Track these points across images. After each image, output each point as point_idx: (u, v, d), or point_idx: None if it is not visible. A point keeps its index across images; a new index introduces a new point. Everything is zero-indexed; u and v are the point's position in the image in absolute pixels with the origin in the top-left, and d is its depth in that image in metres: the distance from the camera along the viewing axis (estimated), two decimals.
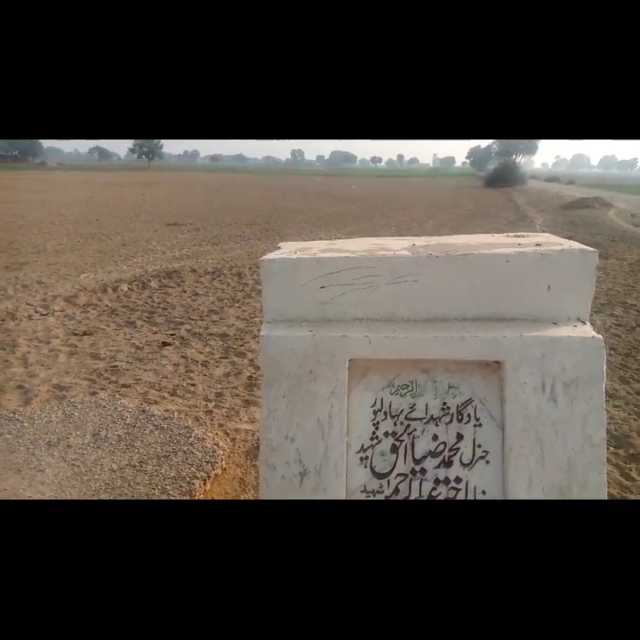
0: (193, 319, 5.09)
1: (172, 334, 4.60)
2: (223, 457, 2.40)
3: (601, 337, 1.26)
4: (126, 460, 2.30)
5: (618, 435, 2.84)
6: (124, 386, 3.34)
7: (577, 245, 1.35)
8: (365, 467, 1.32)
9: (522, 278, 1.33)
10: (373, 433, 1.32)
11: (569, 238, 1.56)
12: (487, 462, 1.29)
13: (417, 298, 1.36)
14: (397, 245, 1.48)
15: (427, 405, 1.32)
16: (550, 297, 1.33)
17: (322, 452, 1.30)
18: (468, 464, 1.29)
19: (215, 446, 2.46)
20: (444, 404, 1.31)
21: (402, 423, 1.32)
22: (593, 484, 1.22)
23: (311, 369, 1.31)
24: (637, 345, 4.27)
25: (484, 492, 1.28)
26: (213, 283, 6.68)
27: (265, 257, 1.41)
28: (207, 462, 2.30)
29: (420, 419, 1.32)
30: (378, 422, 1.32)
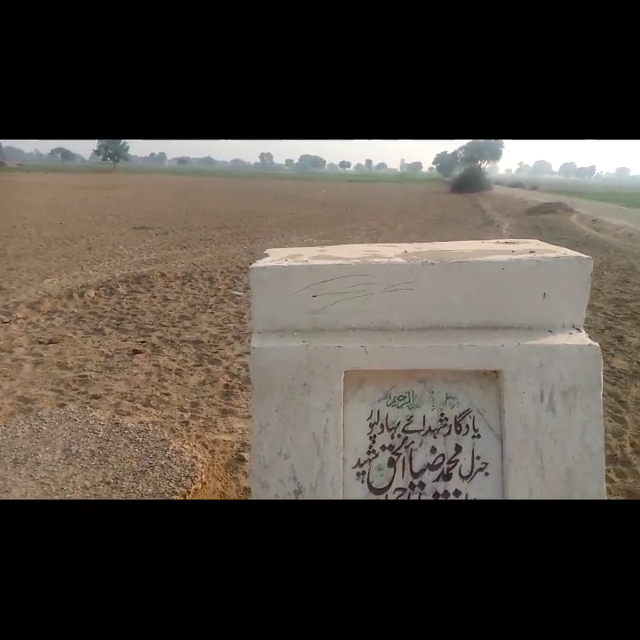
0: (164, 325, 4.95)
1: (142, 341, 4.45)
2: (202, 470, 2.31)
3: (597, 345, 1.25)
4: (100, 476, 2.19)
5: None
6: (95, 397, 3.19)
7: (571, 253, 1.34)
8: (362, 482, 1.27)
9: (517, 286, 1.31)
10: (370, 447, 1.28)
11: None
12: (486, 474, 1.26)
13: (412, 306, 1.33)
14: (390, 252, 1.45)
15: (424, 417, 1.28)
16: (545, 304, 1.31)
17: (317, 469, 1.24)
18: (468, 476, 1.26)
19: (194, 459, 2.37)
20: (442, 415, 1.28)
21: (399, 436, 1.28)
22: (593, 494, 1.21)
23: (305, 381, 1.25)
24: (607, 347, 4.37)
25: None
26: (184, 288, 6.53)
27: (255, 264, 1.35)
28: (186, 477, 2.21)
29: (418, 431, 1.28)
30: (374, 435, 1.28)
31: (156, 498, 2.06)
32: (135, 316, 5.22)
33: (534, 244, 1.54)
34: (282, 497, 1.24)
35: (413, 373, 1.29)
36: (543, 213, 17.42)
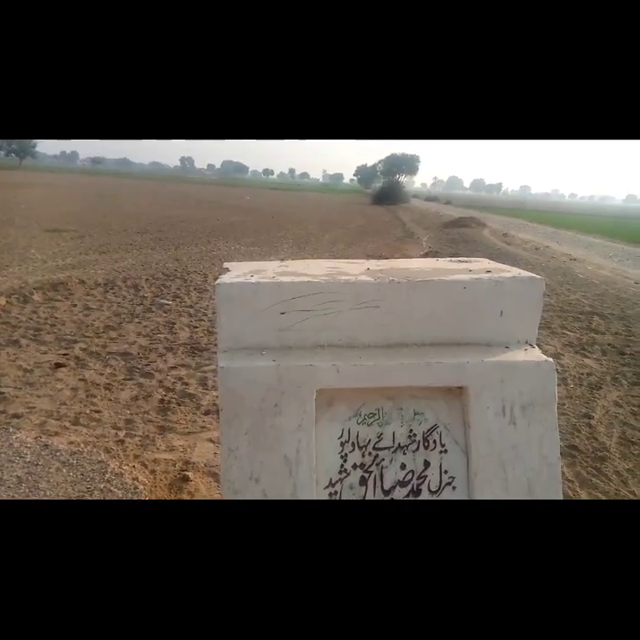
0: (87, 336, 4.65)
1: (65, 354, 4.15)
2: (145, 493, 2.19)
3: (552, 360, 1.33)
4: None
5: None
6: (16, 416, 2.92)
7: (525, 273, 1.42)
8: None
9: (477, 304, 1.36)
10: (342, 466, 1.27)
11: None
12: (453, 488, 1.29)
13: (378, 323, 1.34)
14: (354, 270, 1.45)
15: (394, 434, 1.29)
16: (503, 321, 1.38)
17: (290, 492, 1.21)
18: (436, 491, 1.29)
19: (135, 481, 2.23)
20: (411, 431, 1.30)
21: (370, 453, 1.28)
22: None
23: (276, 402, 1.22)
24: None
25: None
26: (107, 295, 6.19)
27: (221, 280, 1.30)
28: None
29: (388, 448, 1.29)
30: (346, 454, 1.27)
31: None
32: (54, 326, 4.86)
33: (486, 262, 1.62)
34: None
35: (382, 391, 1.30)
36: (458, 227, 18.45)
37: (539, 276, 1.40)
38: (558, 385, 3.88)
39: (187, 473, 2.44)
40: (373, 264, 1.57)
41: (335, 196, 53.08)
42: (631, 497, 2.58)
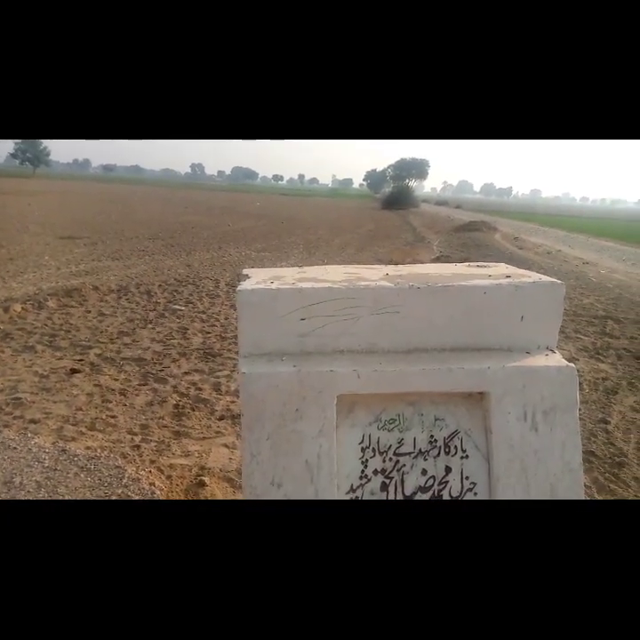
0: (102, 342, 4.69)
1: (80, 360, 4.20)
2: (162, 498, 2.20)
3: (574, 366, 1.32)
4: None
5: None
6: (33, 421, 2.96)
7: (546, 278, 1.42)
8: None
9: (497, 309, 1.36)
10: (362, 471, 1.27)
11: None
12: (475, 494, 1.29)
13: (398, 329, 1.34)
14: (373, 275, 1.46)
15: (414, 439, 1.29)
16: (523, 327, 1.37)
17: (311, 497, 1.21)
18: (457, 497, 1.28)
19: (152, 486, 2.24)
20: (432, 436, 1.30)
21: (391, 459, 1.28)
22: None
23: (297, 407, 1.23)
24: None
25: None
26: (120, 301, 6.25)
27: (242, 287, 1.31)
28: None
29: (409, 453, 1.29)
30: (366, 460, 1.27)
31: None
32: (69, 331, 4.91)
33: (503, 267, 1.61)
34: None
35: (403, 396, 1.30)
36: (469, 231, 18.37)
37: (559, 281, 1.39)
38: None
39: (203, 478, 2.45)
40: (392, 269, 1.57)
41: (345, 201, 53.19)
42: None
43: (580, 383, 4.11)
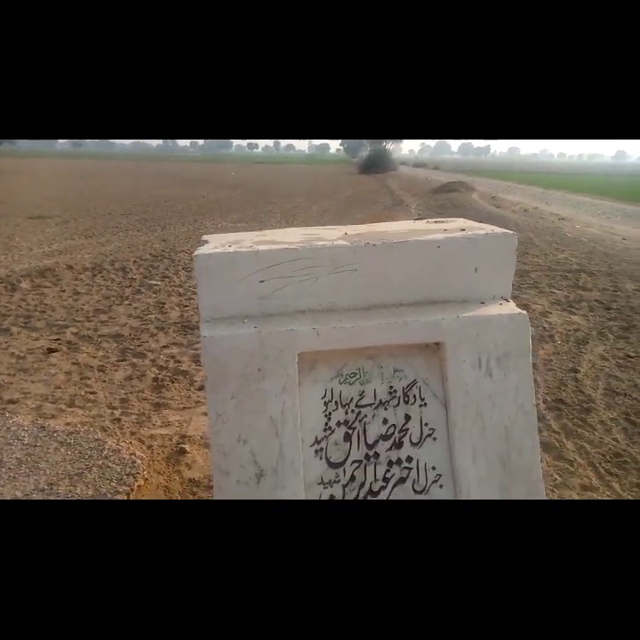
0: (78, 321, 4.66)
1: (56, 339, 4.17)
2: (143, 467, 2.25)
3: (526, 313, 1.37)
4: (32, 484, 2.05)
5: None
6: (11, 402, 2.96)
7: (498, 229, 1.45)
8: (321, 458, 1.31)
9: (452, 262, 1.39)
10: (326, 424, 1.32)
11: None
12: (434, 439, 1.35)
13: (357, 286, 1.37)
14: (331, 235, 1.48)
15: (375, 391, 1.34)
16: (477, 278, 1.42)
17: (277, 450, 1.26)
18: (417, 443, 1.35)
19: (132, 456, 2.29)
20: (391, 387, 1.35)
21: (353, 411, 1.33)
22: (528, 449, 1.34)
23: (259, 367, 1.26)
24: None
25: (434, 468, 1.34)
26: (95, 279, 6.17)
27: (199, 251, 1.32)
28: (127, 474, 2.14)
29: (370, 404, 1.34)
30: (330, 413, 1.32)
31: (97, 499, 1.98)
32: (44, 312, 4.86)
33: (461, 222, 1.64)
34: (243, 481, 1.25)
35: (362, 351, 1.34)
36: (447, 192, 18.29)
37: (511, 232, 1.43)
38: (546, 342, 3.94)
39: (183, 446, 2.50)
40: (351, 229, 1.59)
41: (322, 167, 52.35)
42: (614, 444, 2.68)
43: (552, 335, 4.22)
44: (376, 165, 39.76)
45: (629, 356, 3.84)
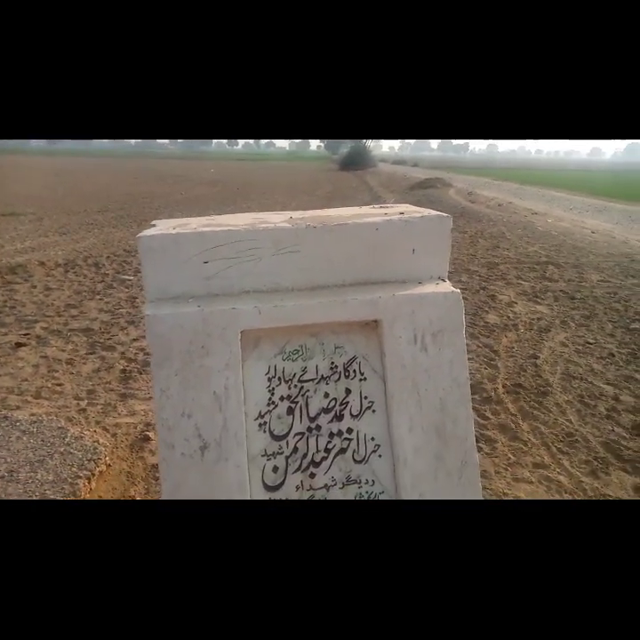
0: (48, 316, 4.64)
1: (25, 334, 4.15)
2: (106, 453, 2.28)
3: (459, 291, 1.44)
4: None
5: (472, 383, 3.24)
6: None
7: (434, 212, 1.52)
8: (264, 431, 1.37)
9: (390, 244, 1.46)
10: (269, 399, 1.37)
11: None
12: (373, 411, 1.42)
13: (299, 267, 1.43)
14: (276, 219, 1.53)
15: (317, 367, 1.40)
16: (415, 259, 1.48)
17: (220, 424, 1.31)
18: (357, 415, 1.41)
19: (95, 443, 2.32)
20: (332, 363, 1.41)
21: (295, 386, 1.39)
22: (462, 419, 1.41)
23: (203, 344, 1.31)
24: (481, 305, 4.87)
25: (373, 439, 1.41)
26: (67, 275, 6.13)
27: (142, 233, 1.36)
28: (89, 460, 2.17)
29: (312, 380, 1.40)
30: (273, 388, 1.38)
31: (58, 484, 2.01)
32: (14, 308, 4.82)
33: (404, 207, 1.71)
34: (188, 454, 1.30)
35: (304, 328, 1.40)
36: (425, 188, 18.48)
37: (446, 215, 1.50)
38: (509, 330, 4.05)
39: (148, 433, 2.54)
40: (297, 214, 1.65)
41: (302, 164, 52.30)
42: (567, 425, 2.79)
43: (516, 324, 4.34)
44: (356, 162, 39.89)
45: (589, 343, 3.97)
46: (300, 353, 1.40)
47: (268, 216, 1.60)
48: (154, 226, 1.49)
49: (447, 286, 1.47)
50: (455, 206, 13.23)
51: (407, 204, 1.75)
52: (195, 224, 1.48)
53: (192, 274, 1.37)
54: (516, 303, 4.92)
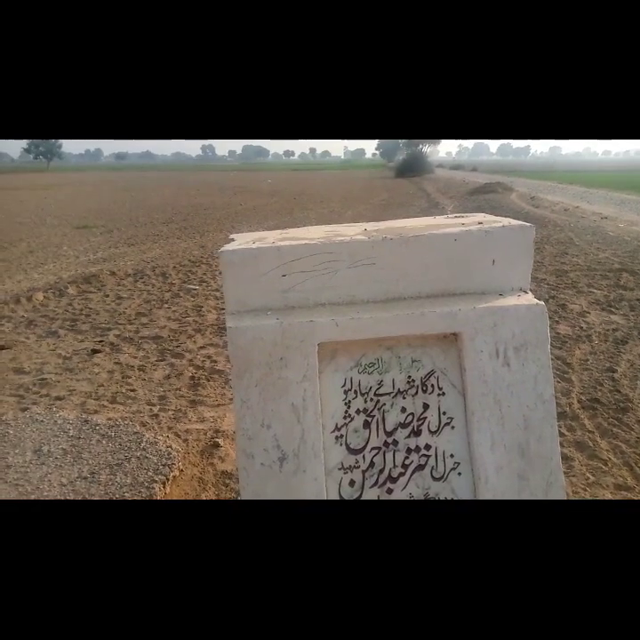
0: (120, 323, 4.88)
1: (100, 341, 4.38)
2: (179, 458, 2.35)
3: (543, 303, 1.38)
4: (76, 472, 2.19)
5: None
6: (58, 398, 3.15)
7: (516, 222, 1.47)
8: (341, 445, 1.36)
9: (469, 255, 1.42)
10: (346, 411, 1.37)
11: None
12: (452, 428, 1.38)
13: (375, 279, 1.42)
14: (351, 231, 1.53)
15: (393, 380, 1.38)
16: (495, 270, 1.44)
17: (299, 436, 1.32)
18: (436, 431, 1.38)
19: (169, 448, 2.40)
20: (409, 377, 1.39)
21: (371, 399, 1.38)
22: (547, 438, 1.35)
23: (281, 356, 1.33)
24: (551, 315, 4.66)
25: (452, 456, 1.37)
26: (137, 285, 6.43)
27: (224, 248, 1.40)
28: (163, 465, 2.25)
29: (388, 393, 1.38)
30: (349, 401, 1.37)
31: (136, 487, 2.09)
32: (89, 316, 5.11)
33: (481, 216, 1.67)
34: (267, 464, 1.31)
35: (381, 341, 1.38)
36: (485, 193, 18.01)
37: (528, 224, 1.44)
38: (583, 342, 3.86)
39: (217, 440, 2.60)
40: (371, 225, 1.64)
41: (357, 172, 52.45)
42: None
43: (590, 335, 4.12)
44: (412, 168, 39.56)
45: None
46: (376, 366, 1.39)
47: (342, 228, 1.60)
48: (233, 240, 1.53)
49: (530, 298, 1.41)
50: (517, 211, 12.80)
51: (484, 214, 1.71)
52: (272, 238, 1.51)
53: (270, 287, 1.40)
54: (589, 313, 4.67)
